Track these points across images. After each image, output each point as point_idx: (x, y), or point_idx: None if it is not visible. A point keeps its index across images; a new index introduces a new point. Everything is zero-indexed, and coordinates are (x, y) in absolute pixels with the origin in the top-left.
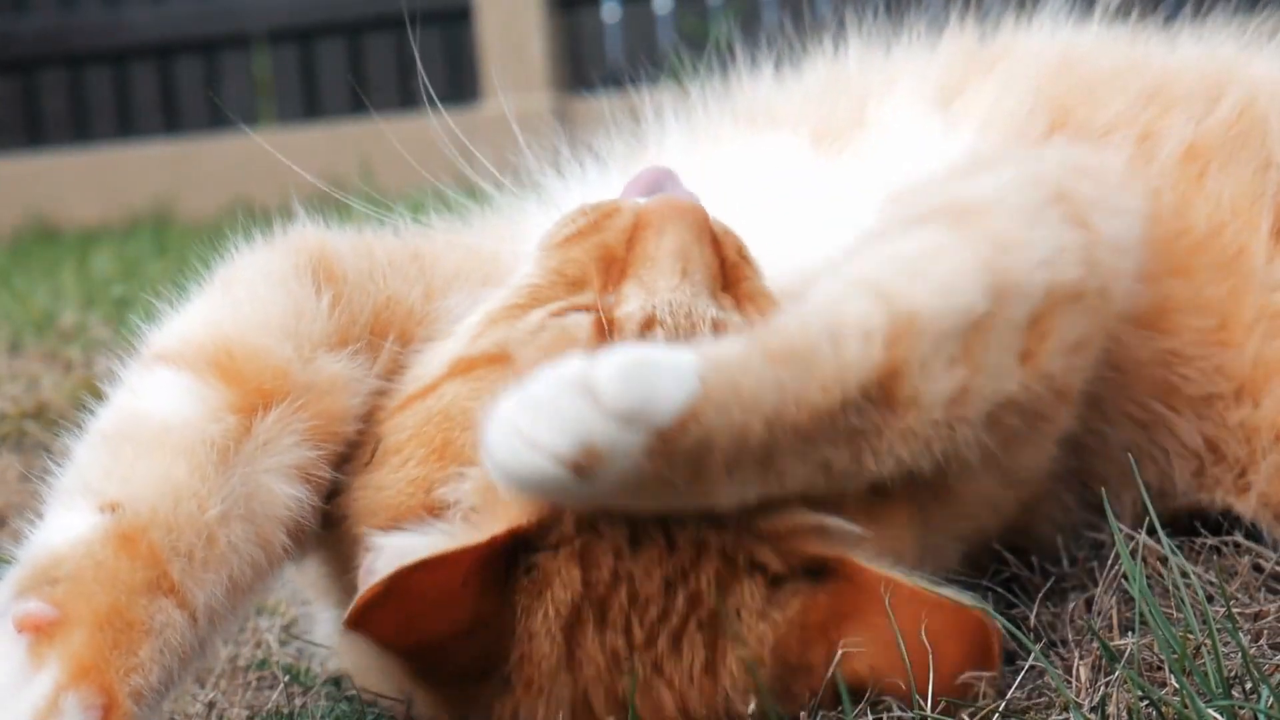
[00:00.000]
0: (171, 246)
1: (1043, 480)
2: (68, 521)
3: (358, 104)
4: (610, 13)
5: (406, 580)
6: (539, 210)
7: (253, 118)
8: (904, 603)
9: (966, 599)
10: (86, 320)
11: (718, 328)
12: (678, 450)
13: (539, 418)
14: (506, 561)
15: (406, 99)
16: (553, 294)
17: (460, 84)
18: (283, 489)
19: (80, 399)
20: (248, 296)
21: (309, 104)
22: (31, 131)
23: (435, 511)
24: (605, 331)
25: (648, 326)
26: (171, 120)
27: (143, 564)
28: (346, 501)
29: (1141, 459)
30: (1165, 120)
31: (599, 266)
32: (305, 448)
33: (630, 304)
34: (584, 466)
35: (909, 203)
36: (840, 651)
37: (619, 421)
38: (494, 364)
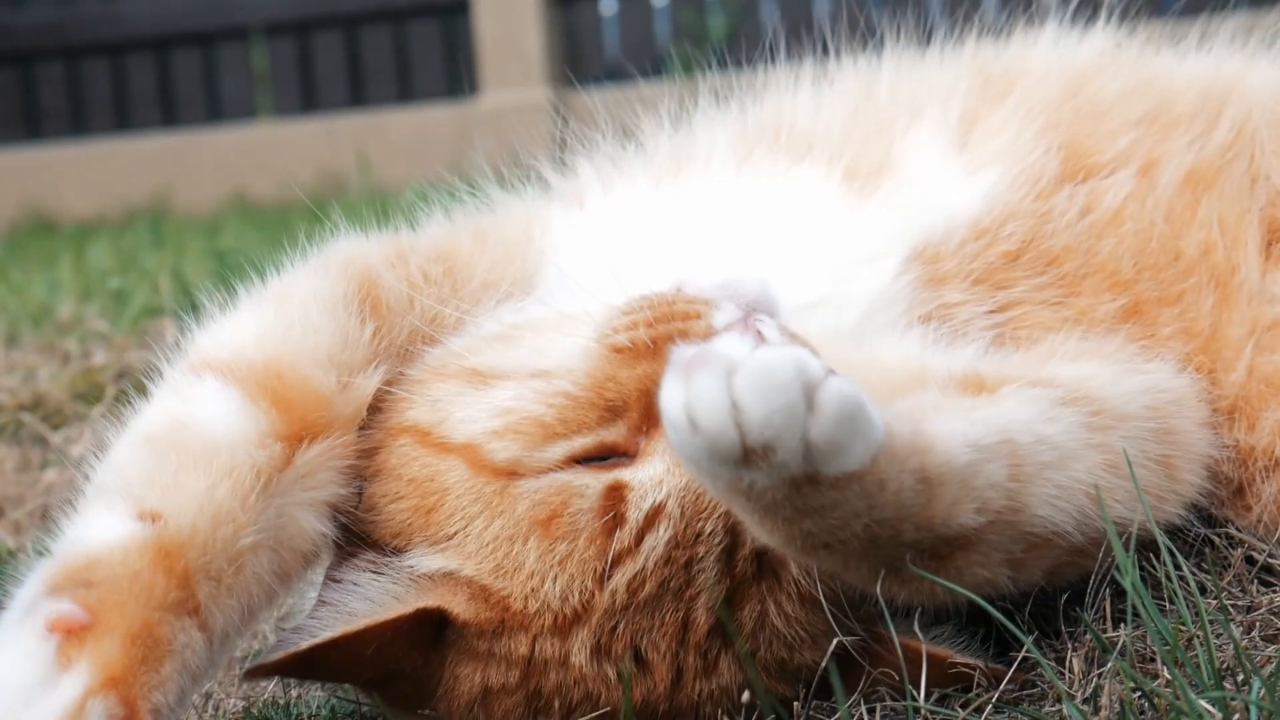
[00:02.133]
0: (169, 239)
1: None
2: (106, 523)
3: (355, 97)
4: (608, 6)
5: (326, 651)
6: (564, 202)
7: (250, 111)
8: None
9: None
10: (83, 312)
11: (726, 522)
12: (804, 496)
13: (762, 392)
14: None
15: (404, 92)
16: (584, 419)
17: (458, 78)
18: (312, 524)
19: (77, 391)
20: (300, 319)
21: (306, 97)
22: (29, 124)
23: (399, 553)
24: (608, 522)
25: (651, 521)
26: (169, 113)
27: (176, 583)
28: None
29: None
30: (1166, 145)
31: (639, 404)
32: (338, 484)
33: (648, 470)
34: (750, 460)
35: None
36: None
37: (820, 448)
38: (500, 477)
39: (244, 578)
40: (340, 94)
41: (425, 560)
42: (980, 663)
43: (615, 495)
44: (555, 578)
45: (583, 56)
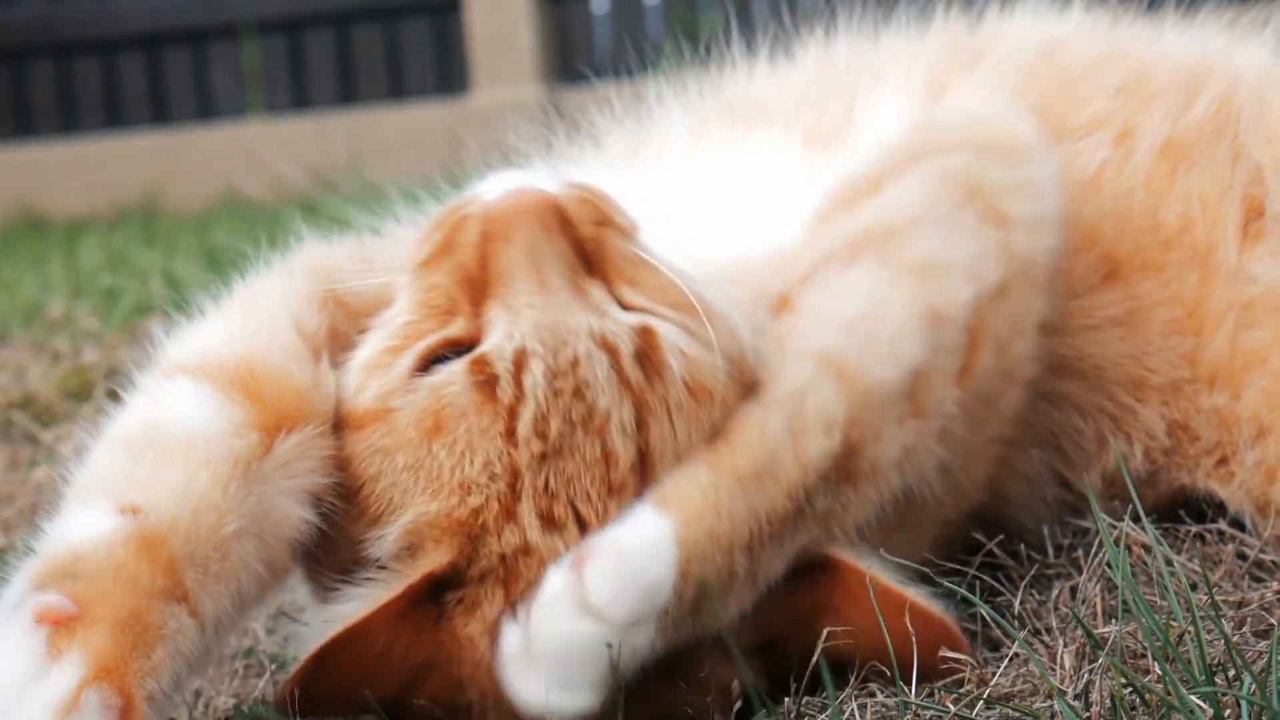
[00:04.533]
0: (159, 237)
1: (1004, 449)
2: (88, 519)
3: (347, 95)
4: (599, 4)
5: (329, 658)
6: None
7: (241, 108)
8: (879, 603)
9: (936, 606)
10: (74, 310)
11: (595, 339)
12: (680, 613)
13: (561, 670)
14: (435, 600)
15: (396, 90)
16: (426, 328)
17: (449, 75)
18: (295, 511)
19: (68, 389)
20: (267, 320)
21: (298, 94)
22: (19, 122)
23: (365, 567)
24: (483, 383)
25: (520, 363)
26: (160, 111)
27: (162, 571)
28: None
29: (1106, 447)
30: (1143, 115)
31: (462, 290)
32: (319, 474)
33: (496, 333)
34: (611, 676)
35: (834, 228)
36: (825, 634)
37: (630, 628)
38: (379, 420)
39: (231, 564)
40: (332, 91)
41: (383, 543)
42: (940, 613)
43: (479, 366)
44: (471, 460)
45: (574, 54)
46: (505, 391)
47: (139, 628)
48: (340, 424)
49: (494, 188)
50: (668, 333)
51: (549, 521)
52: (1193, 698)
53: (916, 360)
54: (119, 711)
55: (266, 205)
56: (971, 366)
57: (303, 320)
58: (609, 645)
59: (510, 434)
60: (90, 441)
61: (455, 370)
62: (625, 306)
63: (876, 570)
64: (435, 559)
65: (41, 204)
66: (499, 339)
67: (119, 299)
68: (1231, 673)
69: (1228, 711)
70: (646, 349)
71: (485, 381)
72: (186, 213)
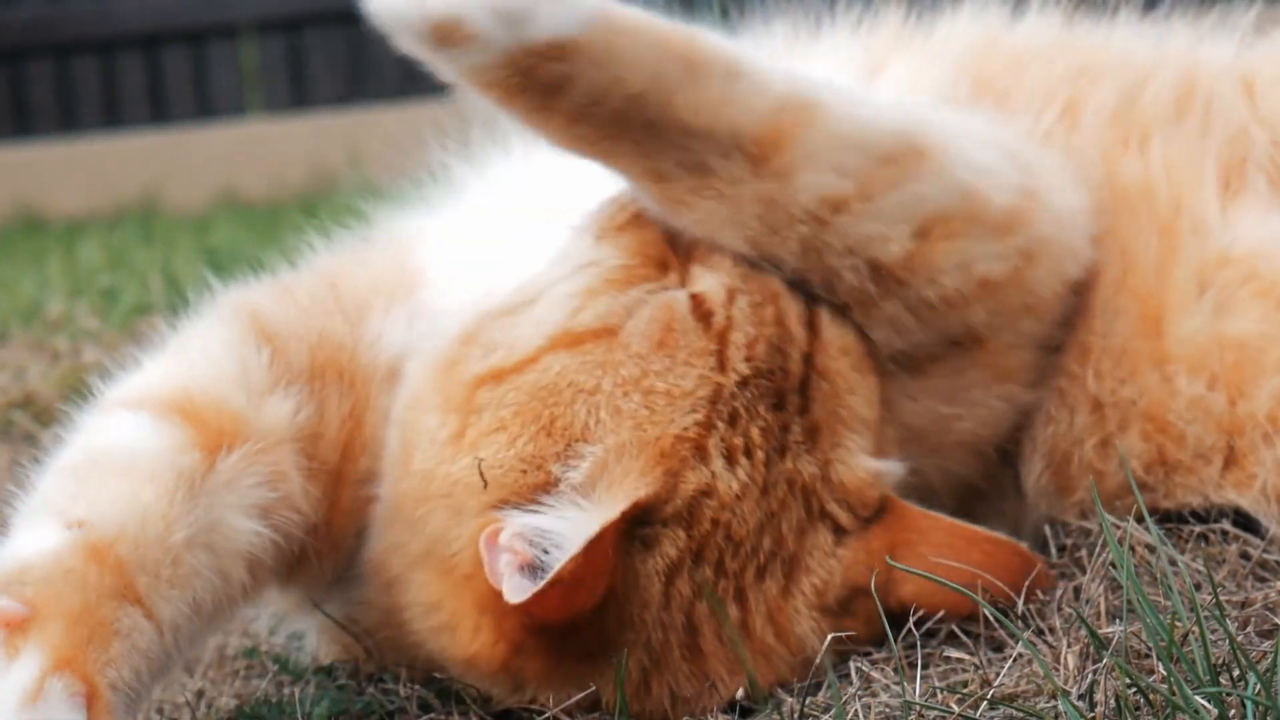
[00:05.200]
0: (159, 237)
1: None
2: (35, 536)
3: (346, 93)
4: None
5: (581, 565)
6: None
7: (240, 108)
8: (945, 537)
9: (1000, 534)
10: (73, 310)
11: (780, 294)
12: (535, 73)
13: None
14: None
15: (396, 88)
16: (645, 273)
17: None
18: (244, 524)
19: (68, 388)
20: (201, 356)
21: (297, 94)
22: (18, 121)
23: (547, 489)
24: (701, 308)
25: (731, 298)
26: (159, 110)
27: (110, 573)
28: (401, 486)
29: (1050, 423)
30: (1091, 91)
31: (671, 250)
32: (266, 489)
33: (704, 281)
34: (446, 37)
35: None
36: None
37: (493, 12)
38: (600, 338)
39: (183, 571)
40: (331, 91)
41: (575, 473)
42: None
43: (698, 300)
44: (685, 376)
45: None
46: (720, 319)
47: (93, 622)
48: (541, 350)
49: None
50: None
51: (733, 456)
52: (1197, 698)
53: (882, 139)
54: (84, 697)
55: (266, 204)
56: (929, 248)
57: (235, 352)
58: (469, 6)
59: (722, 360)
60: (35, 473)
61: (680, 295)
62: None
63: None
64: (639, 488)
65: (40, 203)
66: (713, 283)
67: (118, 298)
68: (1236, 673)
69: (1232, 712)
70: (812, 319)
71: (704, 311)
72: (186, 212)
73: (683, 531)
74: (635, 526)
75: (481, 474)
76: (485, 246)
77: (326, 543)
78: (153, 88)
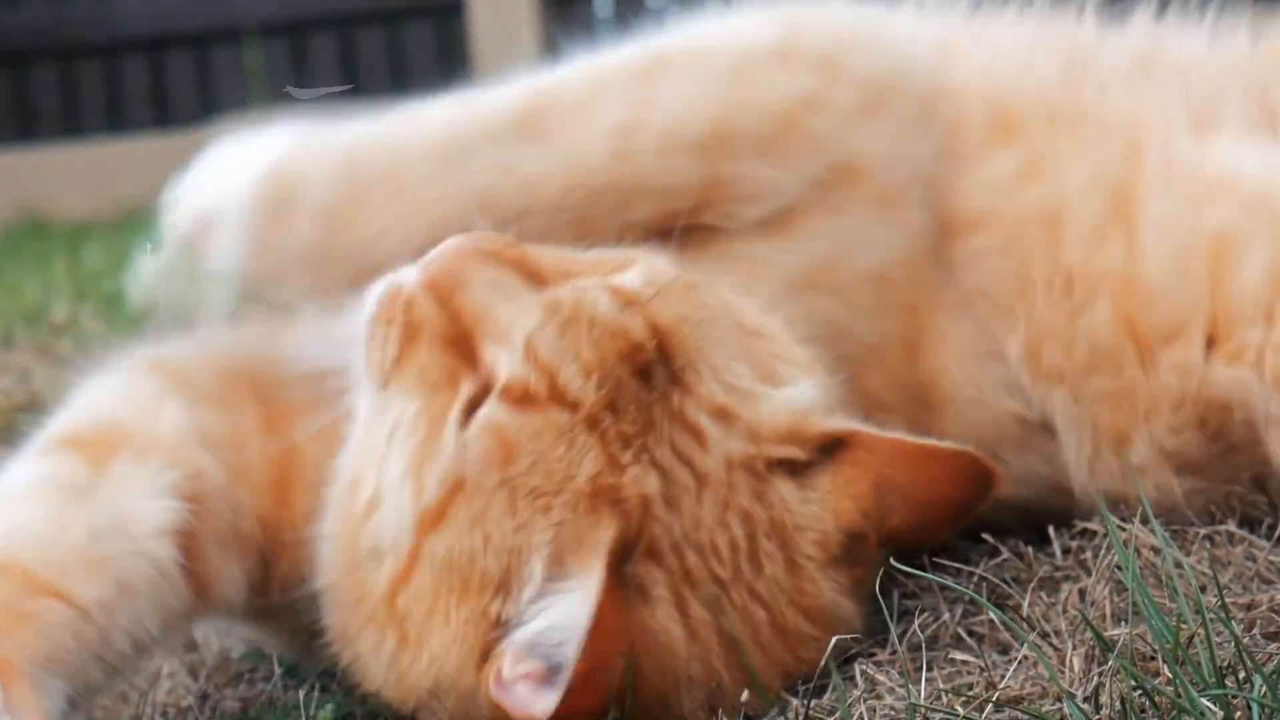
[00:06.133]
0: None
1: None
2: None
3: (350, 97)
4: (602, 6)
5: (595, 636)
6: None
7: (244, 111)
8: (912, 457)
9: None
10: (78, 313)
11: (581, 296)
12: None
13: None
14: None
15: (399, 92)
16: (439, 407)
17: (452, 78)
18: (152, 504)
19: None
20: (88, 397)
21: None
22: (22, 125)
23: (503, 624)
24: (520, 399)
25: (532, 354)
26: (162, 114)
27: (18, 579)
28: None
29: (1027, 296)
30: (1041, 55)
31: (454, 356)
32: (170, 471)
33: (503, 365)
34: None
35: None
36: (833, 643)
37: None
38: (454, 500)
39: (94, 557)
40: (335, 94)
41: (528, 590)
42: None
43: (507, 391)
44: (557, 452)
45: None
46: (538, 383)
47: (5, 618)
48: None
49: (411, 270)
50: (627, 279)
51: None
52: (1203, 700)
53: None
54: None
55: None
56: (731, 88)
57: (123, 383)
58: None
59: (567, 403)
60: None
61: (493, 408)
62: None
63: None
64: (603, 534)
65: (44, 207)
66: (508, 359)
67: (123, 302)
68: (1242, 675)
69: (1238, 714)
70: (617, 292)
71: (520, 393)
72: None
73: (659, 562)
74: (622, 583)
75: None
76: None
77: (288, 537)
78: (156, 91)
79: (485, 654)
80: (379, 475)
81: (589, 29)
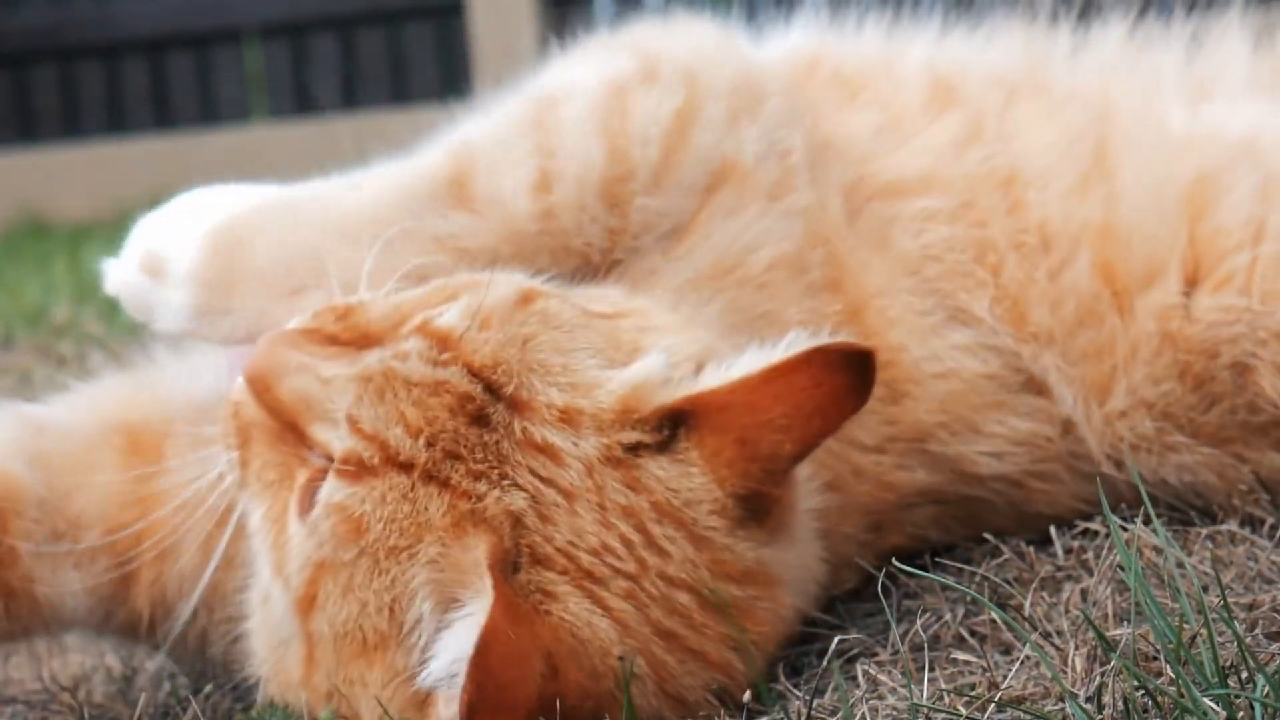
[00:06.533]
0: None
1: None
2: None
3: (350, 99)
4: (602, 7)
5: (484, 673)
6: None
7: (244, 113)
8: (765, 389)
9: (803, 342)
10: (79, 315)
11: (391, 357)
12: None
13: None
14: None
15: (399, 94)
16: (282, 502)
17: (452, 80)
18: None
19: None
20: None
21: (301, 99)
22: (23, 126)
23: (418, 673)
24: (355, 471)
25: (354, 422)
26: (163, 115)
27: None
28: None
29: (987, 253)
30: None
31: (282, 445)
32: None
33: (335, 443)
34: (152, 269)
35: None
36: (835, 642)
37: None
38: (319, 581)
39: None
40: (335, 96)
41: (424, 633)
42: (827, 341)
43: (341, 468)
44: (402, 507)
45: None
46: (368, 452)
47: None
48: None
49: (237, 369)
50: (439, 316)
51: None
52: (1206, 700)
53: (523, 111)
54: None
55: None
56: (616, 124)
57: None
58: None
59: (403, 464)
60: None
61: (330, 487)
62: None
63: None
64: (477, 552)
65: (45, 208)
66: (340, 443)
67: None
68: (1244, 675)
69: (1240, 714)
70: (433, 335)
71: (354, 467)
72: None
73: (551, 565)
74: (518, 592)
75: (386, 711)
76: None
77: (149, 550)
78: (157, 93)
79: (420, 704)
80: (261, 576)
81: (589, 30)
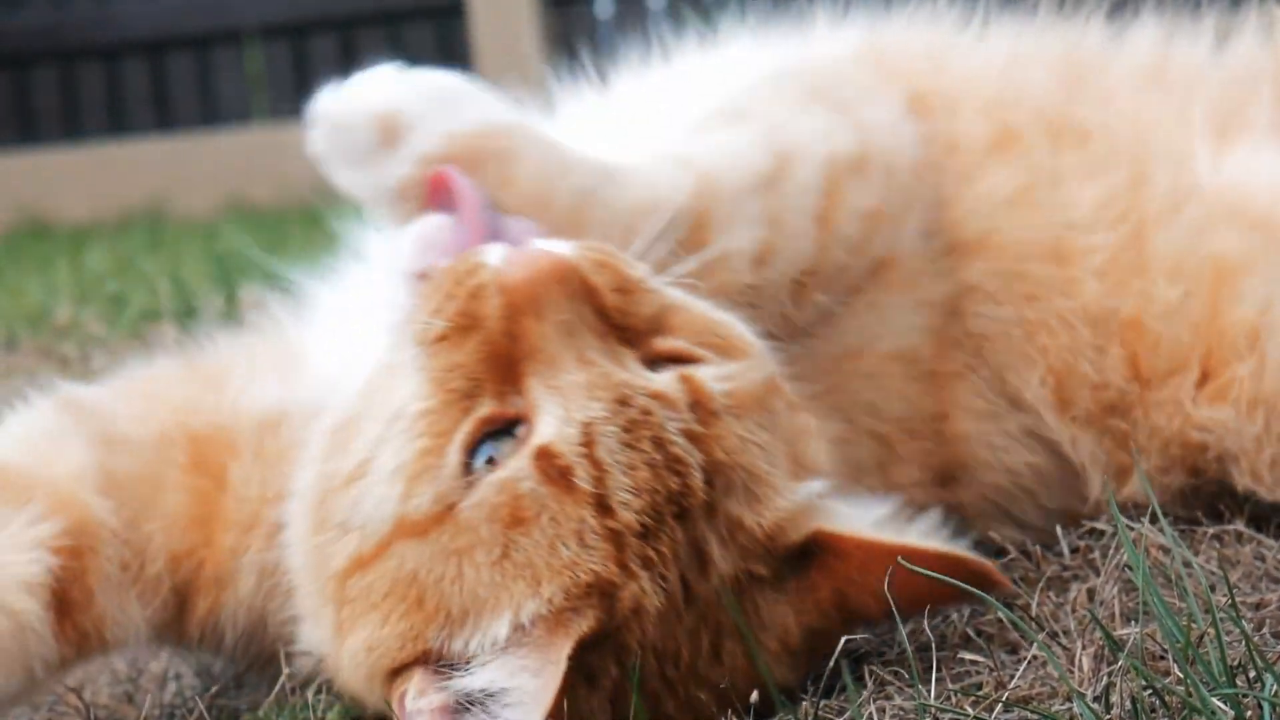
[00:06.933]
0: (166, 243)
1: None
2: None
3: None
4: (603, 8)
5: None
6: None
7: (246, 114)
8: (885, 559)
9: (937, 543)
10: (81, 316)
11: (650, 395)
12: (481, 146)
13: (367, 82)
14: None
15: None
16: (450, 418)
17: None
18: (16, 557)
19: None
20: (3, 429)
21: (303, 100)
22: (23, 128)
23: (436, 658)
24: (555, 475)
25: (591, 440)
26: (164, 116)
27: None
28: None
29: (1038, 333)
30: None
31: (488, 368)
32: (44, 523)
33: (549, 418)
34: (391, 128)
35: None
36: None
37: (430, 102)
38: (442, 523)
39: None
40: None
41: (478, 639)
42: (956, 549)
43: (546, 459)
44: (566, 543)
45: (578, 58)
46: (585, 476)
47: None
48: (382, 543)
49: (499, 251)
50: (705, 373)
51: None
52: (1214, 699)
53: (761, 166)
54: None
55: (273, 211)
56: (831, 218)
57: (29, 420)
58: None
59: (603, 508)
60: None
61: (521, 466)
62: (659, 354)
63: (861, 522)
64: (580, 627)
65: (46, 210)
66: (557, 425)
67: (126, 304)
68: (1252, 674)
69: (1249, 713)
70: (695, 396)
71: (560, 473)
72: (192, 219)
73: (620, 660)
74: (576, 667)
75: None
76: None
77: (208, 577)
78: (158, 94)
79: (396, 672)
80: (371, 450)
81: (590, 31)
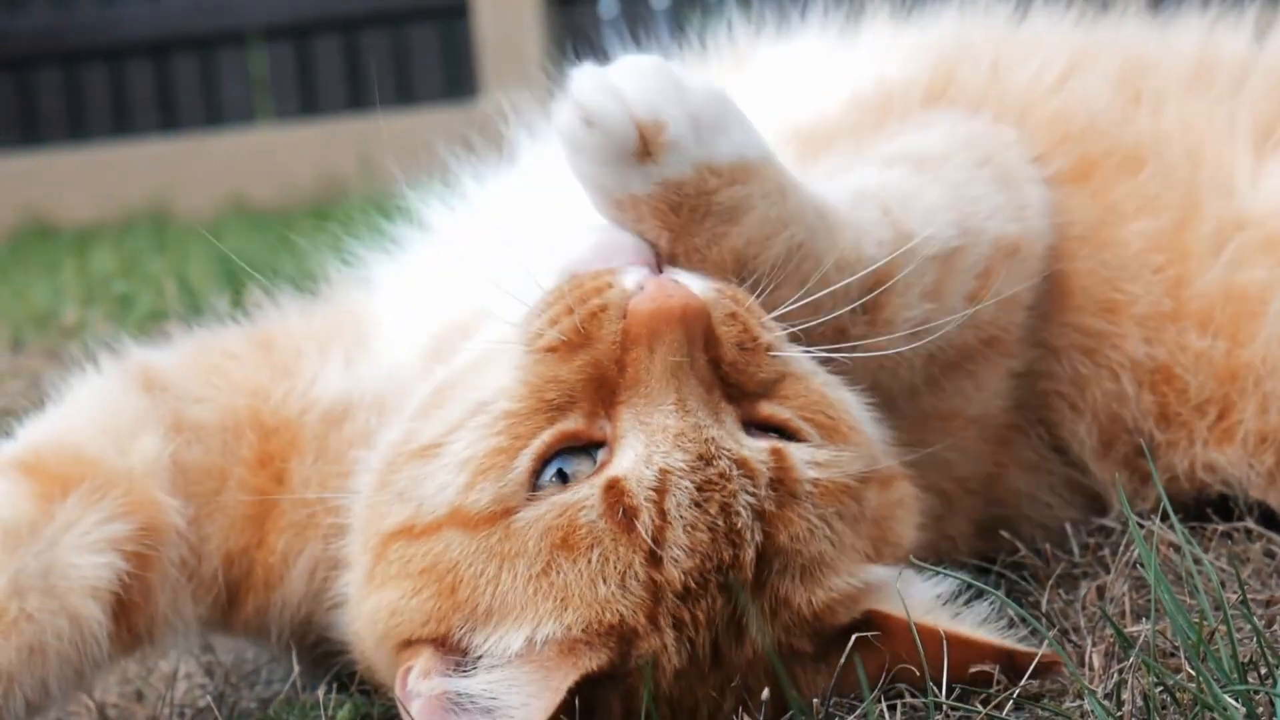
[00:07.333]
0: (171, 244)
1: (1000, 431)
2: None
3: (355, 100)
4: (607, 7)
5: None
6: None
7: (249, 115)
8: (937, 642)
9: (999, 637)
10: (87, 317)
11: (735, 460)
12: (717, 192)
13: (636, 74)
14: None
15: (404, 95)
16: (533, 425)
17: (458, 80)
18: (86, 559)
19: None
20: (71, 408)
21: (306, 100)
22: (27, 129)
23: (450, 646)
24: (620, 513)
25: (663, 489)
26: (168, 118)
27: None
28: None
29: (1089, 385)
30: (1095, 60)
31: (588, 389)
32: (116, 523)
33: (630, 453)
34: (648, 141)
35: (851, 148)
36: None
37: (704, 120)
38: (495, 523)
39: (8, 619)
40: (339, 97)
41: (494, 641)
42: (1007, 643)
43: (615, 493)
44: (606, 581)
45: (583, 58)
46: (647, 522)
47: None
48: (435, 524)
49: (633, 277)
50: (800, 453)
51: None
52: (1225, 696)
53: (950, 240)
54: None
55: (276, 211)
56: (979, 299)
57: (105, 400)
58: (674, 114)
59: (654, 559)
60: None
61: (589, 494)
62: (762, 419)
63: (912, 599)
64: (588, 663)
65: (50, 211)
66: (636, 463)
67: (132, 305)
68: (1264, 670)
69: (1260, 709)
70: (780, 474)
71: (625, 511)
72: (197, 219)
73: (628, 705)
74: (580, 699)
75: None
76: (436, 294)
77: (258, 577)
78: (162, 95)
79: (409, 642)
80: (447, 432)
81: (594, 31)
